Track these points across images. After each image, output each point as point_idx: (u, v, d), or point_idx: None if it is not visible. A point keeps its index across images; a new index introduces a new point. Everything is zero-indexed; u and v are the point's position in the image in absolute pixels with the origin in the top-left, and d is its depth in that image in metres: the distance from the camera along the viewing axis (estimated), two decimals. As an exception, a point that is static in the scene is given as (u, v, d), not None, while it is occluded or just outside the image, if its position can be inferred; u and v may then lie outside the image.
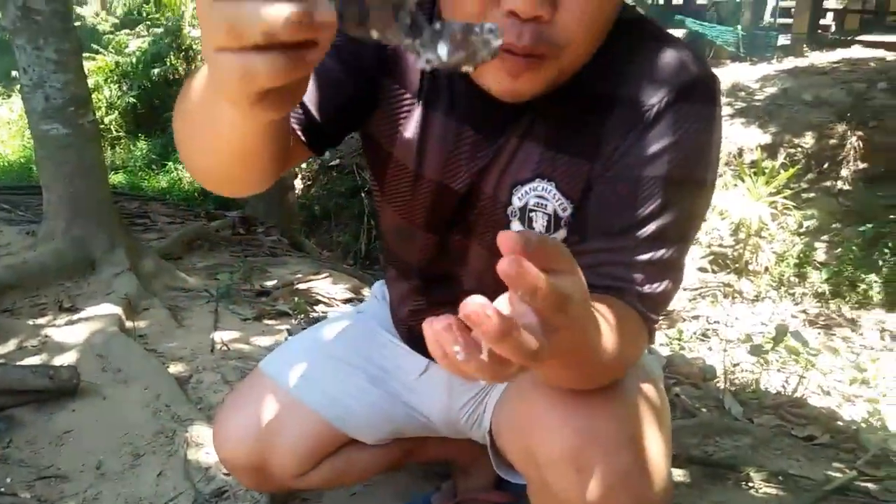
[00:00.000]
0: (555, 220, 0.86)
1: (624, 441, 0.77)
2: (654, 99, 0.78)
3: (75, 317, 2.32)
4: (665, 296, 0.80)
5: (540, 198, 0.86)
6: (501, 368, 0.47)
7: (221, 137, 0.61)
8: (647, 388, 0.84)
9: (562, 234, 0.86)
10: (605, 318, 0.65)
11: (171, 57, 9.69)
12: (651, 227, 0.78)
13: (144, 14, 11.05)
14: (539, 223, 0.87)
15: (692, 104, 0.78)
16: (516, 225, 0.88)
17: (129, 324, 2.35)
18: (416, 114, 0.88)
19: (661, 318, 0.84)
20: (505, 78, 0.72)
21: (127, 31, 10.64)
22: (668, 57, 0.79)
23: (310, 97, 0.82)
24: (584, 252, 0.80)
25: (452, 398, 1.17)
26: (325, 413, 1.15)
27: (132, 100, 9.20)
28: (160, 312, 2.48)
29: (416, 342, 1.16)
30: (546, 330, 0.48)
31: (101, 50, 9.49)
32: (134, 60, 9.50)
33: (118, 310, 2.35)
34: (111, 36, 10.34)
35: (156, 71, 9.32)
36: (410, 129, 0.89)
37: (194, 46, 10.13)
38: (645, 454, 0.78)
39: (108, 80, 9.28)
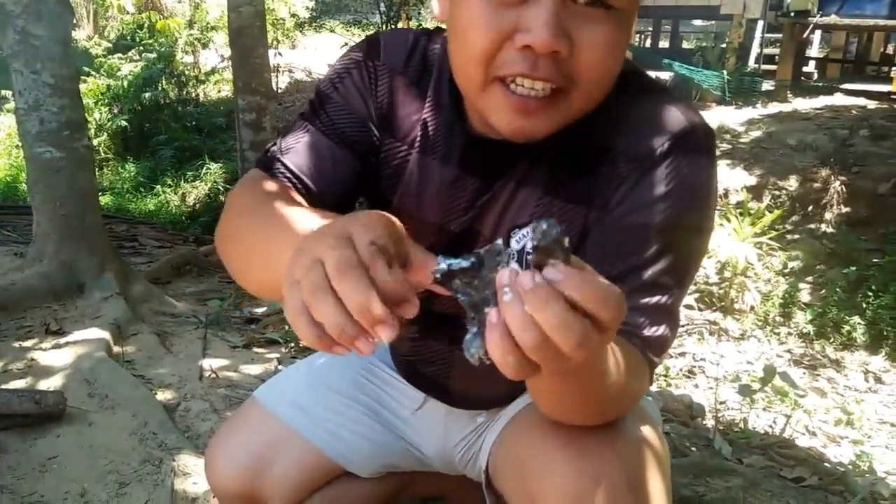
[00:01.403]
0: None
1: (626, 486, 0.77)
2: (651, 149, 0.79)
3: (62, 340, 2.29)
4: (664, 340, 0.81)
5: None
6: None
7: None
8: (649, 431, 0.84)
9: None
10: (612, 347, 0.66)
11: (163, 82, 9.74)
12: (648, 273, 0.78)
13: (138, 39, 11.11)
14: None
15: (688, 154, 0.79)
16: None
17: (116, 349, 2.32)
18: (413, 162, 0.90)
19: (660, 362, 0.85)
20: (517, 117, 0.73)
21: (120, 55, 10.67)
22: (665, 108, 0.81)
23: (313, 178, 0.87)
24: None
25: (448, 434, 1.16)
26: (319, 444, 1.13)
27: (123, 123, 9.20)
28: (148, 338, 2.46)
29: (414, 376, 1.15)
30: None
31: (92, 72, 9.51)
32: (126, 84, 9.52)
33: (106, 334, 2.32)
34: (104, 59, 10.37)
35: (147, 95, 9.34)
36: (408, 177, 0.91)
37: (186, 72, 10.18)
38: (647, 500, 0.78)
39: (99, 103, 9.29)
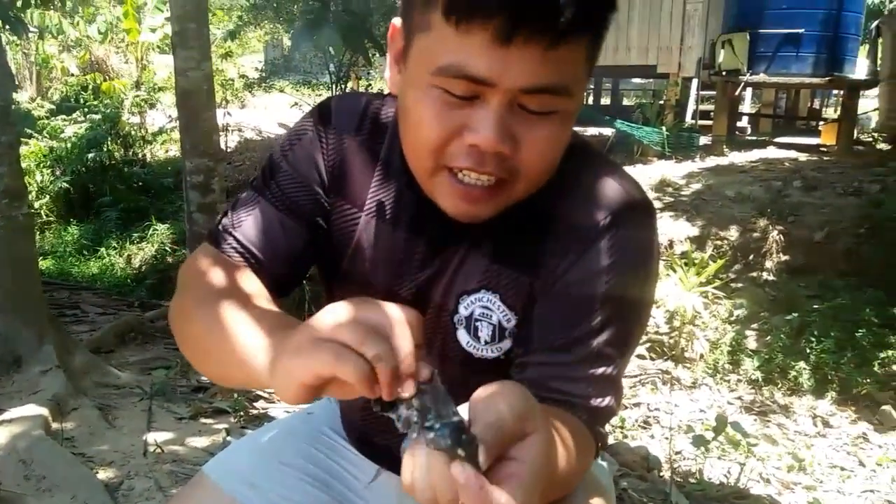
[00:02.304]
0: (499, 330, 0.89)
1: None
2: (595, 222, 0.82)
3: (-3, 419, 2.18)
4: (609, 410, 0.83)
5: (485, 308, 0.88)
6: None
7: (249, 381, 0.70)
8: (597, 503, 0.84)
9: (507, 343, 0.89)
10: (559, 434, 0.67)
11: (109, 142, 9.60)
12: (592, 344, 0.81)
13: (82, 100, 10.98)
14: (484, 332, 0.89)
15: (630, 228, 0.82)
16: (462, 333, 0.90)
17: (55, 425, 2.22)
18: (364, 225, 0.91)
19: (606, 433, 0.86)
20: (463, 203, 0.77)
21: (63, 116, 10.52)
22: (609, 182, 0.85)
23: (265, 252, 0.88)
24: (528, 365, 0.82)
25: (402, 507, 1.14)
26: (271, 522, 1.10)
27: (65, 184, 8.99)
28: (90, 412, 2.36)
29: (367, 448, 1.14)
30: None
31: (35, 135, 9.32)
32: (69, 146, 9.35)
33: (44, 411, 2.22)
34: (46, 121, 10.19)
35: (91, 156, 9.18)
36: (358, 240, 0.92)
37: (132, 133, 10.07)
38: None
39: (41, 165, 9.09)
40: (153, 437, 2.22)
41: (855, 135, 8.79)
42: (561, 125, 0.75)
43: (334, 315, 0.58)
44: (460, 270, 0.88)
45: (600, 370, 0.80)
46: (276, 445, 1.20)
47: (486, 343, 0.88)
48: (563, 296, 0.82)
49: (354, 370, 0.55)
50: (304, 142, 0.91)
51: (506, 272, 0.86)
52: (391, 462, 1.09)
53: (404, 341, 0.57)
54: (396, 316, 0.58)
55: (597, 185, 0.84)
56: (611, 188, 0.84)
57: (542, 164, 0.76)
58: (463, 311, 0.89)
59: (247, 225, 0.89)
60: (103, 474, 1.96)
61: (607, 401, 0.81)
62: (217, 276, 0.83)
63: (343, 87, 9.75)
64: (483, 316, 0.88)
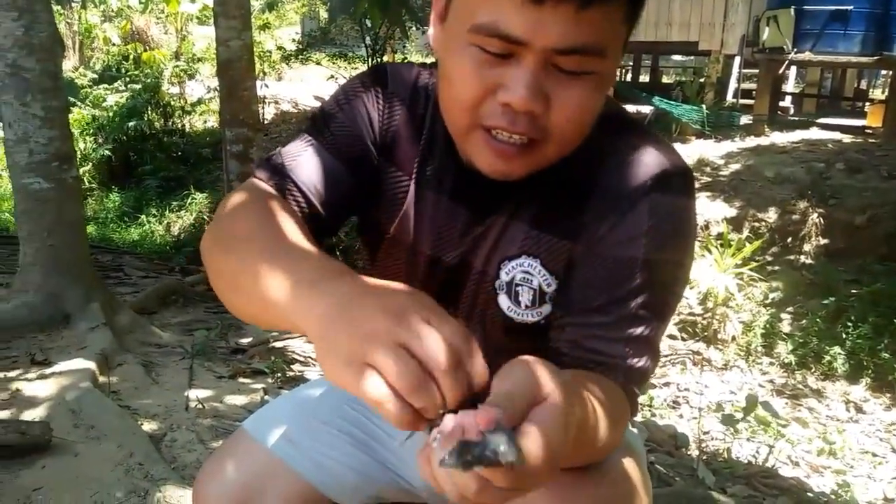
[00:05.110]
0: (540, 294, 0.90)
1: None
2: (635, 187, 0.83)
3: (48, 371, 2.28)
4: (645, 372, 0.84)
5: (526, 273, 0.90)
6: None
7: (279, 326, 0.69)
8: (631, 464, 0.86)
9: (547, 308, 0.91)
10: (592, 398, 0.69)
11: (149, 112, 9.76)
12: (631, 306, 0.82)
13: (123, 70, 11.15)
14: (525, 297, 0.91)
15: (668, 193, 0.83)
16: (503, 298, 0.92)
17: (102, 379, 2.31)
18: (412, 193, 0.93)
19: (642, 393, 0.88)
20: (497, 160, 0.78)
21: (105, 85, 10.69)
22: (647, 149, 0.85)
23: (314, 193, 0.88)
24: (566, 326, 0.84)
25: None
26: (307, 475, 1.13)
27: (107, 152, 9.19)
28: (134, 368, 2.45)
29: (407, 411, 1.16)
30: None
31: (78, 103, 9.52)
32: (111, 114, 9.53)
33: (92, 365, 2.32)
34: (89, 90, 10.38)
35: (132, 125, 9.35)
36: (406, 207, 0.94)
37: (172, 103, 10.22)
38: None
39: (84, 133, 9.28)
40: (194, 394, 2.30)
41: (903, 117, 8.51)
42: (594, 88, 0.76)
43: (388, 327, 0.56)
44: (502, 237, 0.89)
45: (638, 331, 0.82)
46: (313, 404, 1.23)
47: (527, 308, 0.90)
48: (602, 258, 0.84)
49: (398, 419, 0.56)
50: (363, 98, 0.92)
51: (546, 237, 0.88)
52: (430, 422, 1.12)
53: (458, 387, 0.56)
54: (453, 354, 0.56)
55: (636, 152, 0.85)
56: (650, 154, 0.85)
57: (572, 125, 0.77)
58: (504, 276, 0.91)
59: (299, 163, 0.88)
60: (147, 426, 2.04)
61: (643, 361, 0.83)
62: (261, 211, 0.80)
63: (379, 59, 9.73)
64: (524, 281, 0.90)
